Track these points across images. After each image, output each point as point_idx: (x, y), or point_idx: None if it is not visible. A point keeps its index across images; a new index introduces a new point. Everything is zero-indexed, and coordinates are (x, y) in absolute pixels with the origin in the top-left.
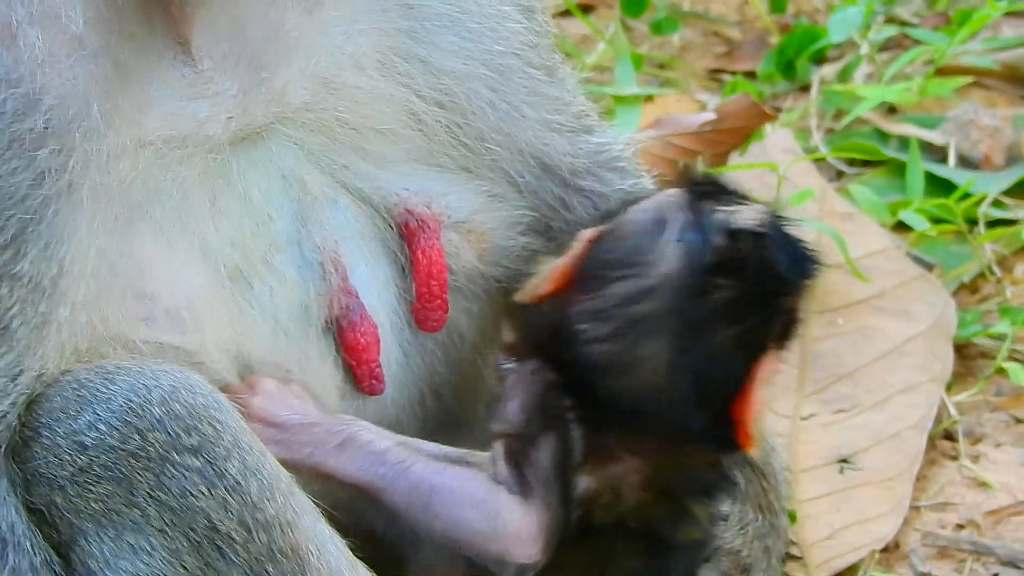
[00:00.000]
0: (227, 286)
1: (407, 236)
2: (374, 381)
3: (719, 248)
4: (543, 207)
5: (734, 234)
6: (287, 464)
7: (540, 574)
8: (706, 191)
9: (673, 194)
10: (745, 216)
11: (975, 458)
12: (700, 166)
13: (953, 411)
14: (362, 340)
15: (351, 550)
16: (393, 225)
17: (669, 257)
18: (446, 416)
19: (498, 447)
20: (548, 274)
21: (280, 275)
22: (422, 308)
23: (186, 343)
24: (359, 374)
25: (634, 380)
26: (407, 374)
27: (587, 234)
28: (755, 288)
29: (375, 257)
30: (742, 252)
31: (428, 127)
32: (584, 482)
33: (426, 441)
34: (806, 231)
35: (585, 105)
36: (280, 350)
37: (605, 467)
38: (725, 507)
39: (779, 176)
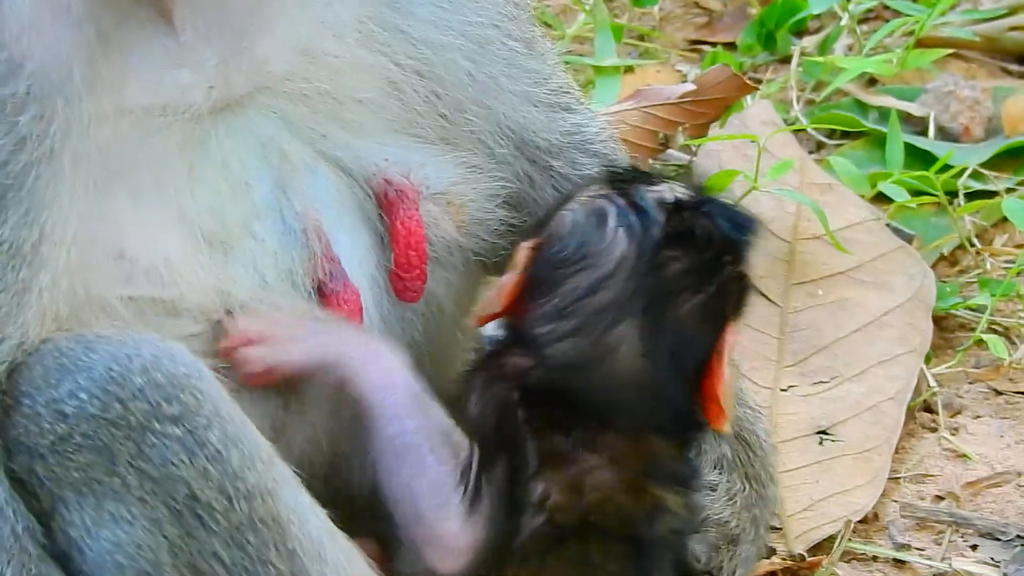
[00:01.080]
0: (204, 249)
1: (386, 206)
2: None
3: (664, 222)
4: (515, 181)
5: (674, 207)
6: (314, 365)
7: None
8: (628, 179)
9: (599, 188)
10: (677, 190)
11: (954, 430)
12: (681, 136)
13: (932, 383)
14: (345, 307)
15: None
16: (372, 195)
17: (618, 242)
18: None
19: (471, 447)
20: (497, 291)
21: (262, 241)
22: (401, 278)
23: (166, 295)
24: None
25: (608, 369)
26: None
27: (526, 245)
28: (705, 255)
29: (354, 226)
30: (686, 222)
31: (407, 96)
32: (541, 489)
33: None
34: (785, 202)
35: (564, 81)
36: (263, 309)
37: (563, 470)
38: (712, 478)
39: (759, 148)
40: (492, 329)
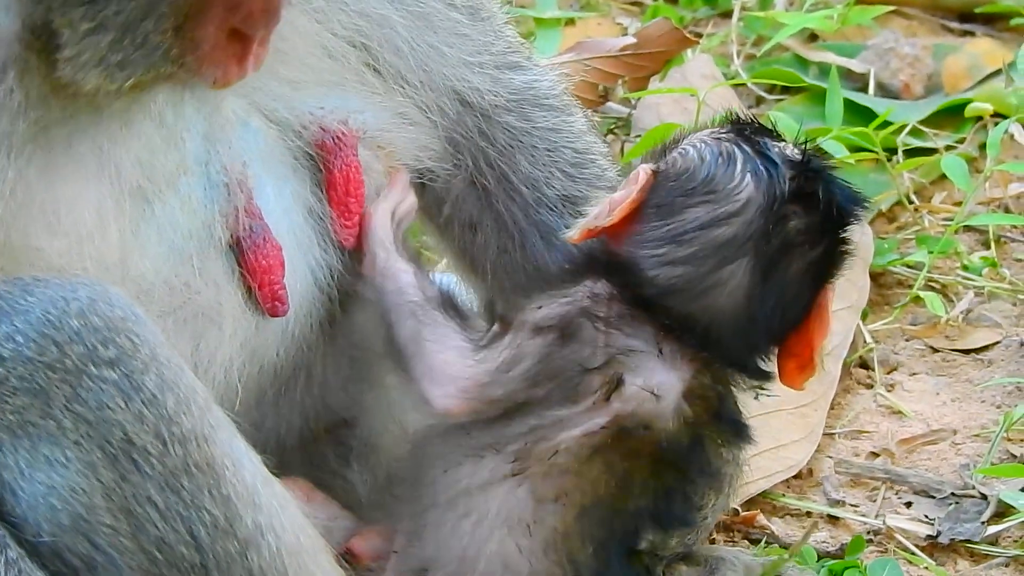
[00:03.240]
0: (126, 207)
1: (323, 154)
2: (276, 303)
3: (790, 177)
4: (460, 136)
5: (800, 166)
6: None
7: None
8: (751, 129)
9: (724, 130)
10: (806, 153)
11: (890, 386)
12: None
13: (869, 339)
14: (264, 262)
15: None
16: (308, 143)
17: (746, 185)
18: (354, 335)
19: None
20: (609, 207)
21: (184, 196)
22: (341, 226)
23: (83, 249)
24: (261, 295)
25: (709, 301)
26: (314, 293)
27: (646, 168)
28: (823, 218)
29: (284, 178)
30: (811, 183)
31: (341, 62)
32: (598, 384)
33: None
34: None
35: (513, 41)
36: (173, 269)
37: (630, 374)
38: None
39: (699, 101)
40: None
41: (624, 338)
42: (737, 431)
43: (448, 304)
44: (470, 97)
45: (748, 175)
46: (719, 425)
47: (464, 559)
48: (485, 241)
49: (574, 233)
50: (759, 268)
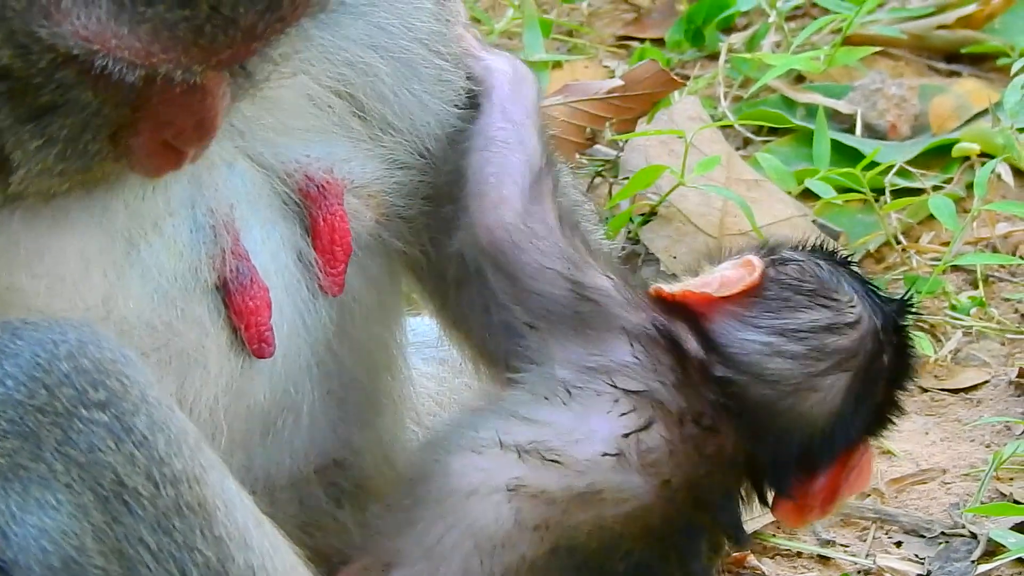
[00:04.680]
0: (110, 249)
1: (308, 202)
2: (263, 344)
3: (891, 312)
4: (448, 176)
5: (904, 305)
6: None
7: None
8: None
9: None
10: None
11: None
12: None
13: None
14: (251, 303)
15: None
16: (293, 190)
17: (859, 304)
18: (344, 378)
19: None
20: (724, 282)
21: (169, 238)
22: (327, 274)
23: (46, 300)
24: (247, 337)
25: (797, 402)
26: (301, 336)
27: (758, 260)
28: (904, 362)
29: (272, 220)
30: (902, 324)
31: (326, 112)
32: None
33: None
34: (712, 198)
35: None
36: (156, 311)
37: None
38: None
39: (686, 143)
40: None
41: (666, 390)
42: (735, 533)
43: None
44: (455, 141)
45: (857, 295)
46: (716, 518)
47: (430, 559)
48: (470, 298)
49: (673, 290)
50: (854, 388)
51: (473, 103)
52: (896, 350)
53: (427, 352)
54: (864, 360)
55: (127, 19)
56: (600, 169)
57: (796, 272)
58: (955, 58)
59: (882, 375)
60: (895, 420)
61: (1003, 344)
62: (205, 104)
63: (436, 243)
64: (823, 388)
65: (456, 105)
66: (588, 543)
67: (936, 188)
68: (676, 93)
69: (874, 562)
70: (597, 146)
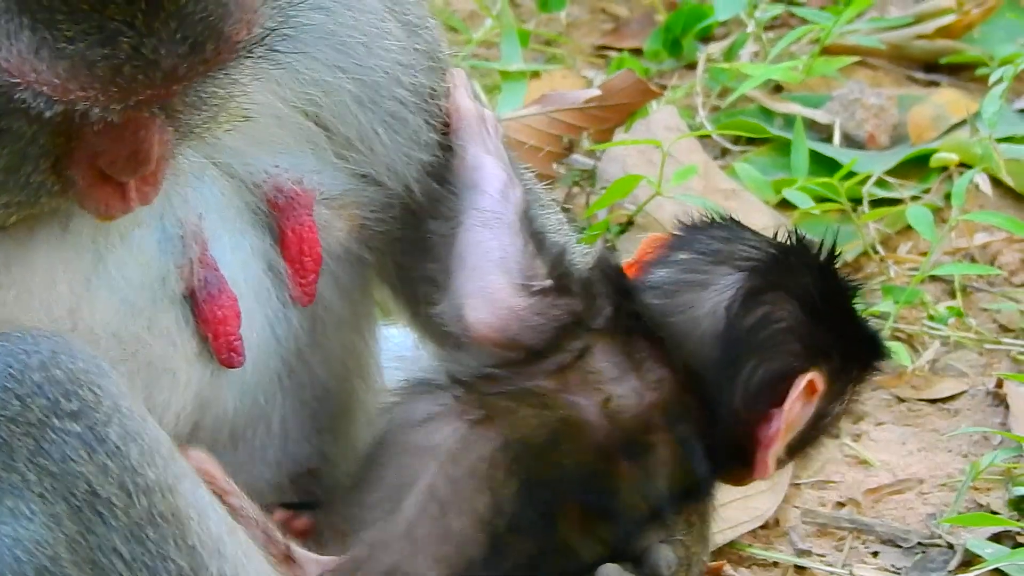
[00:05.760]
0: (77, 260)
1: (276, 213)
2: (232, 353)
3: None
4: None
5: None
6: None
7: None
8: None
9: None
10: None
11: (856, 436)
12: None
13: None
14: (219, 313)
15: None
16: (263, 200)
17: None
18: (316, 388)
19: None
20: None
21: (137, 248)
22: (297, 284)
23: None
24: (216, 346)
25: (695, 300)
26: (272, 345)
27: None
28: (820, 291)
29: (241, 231)
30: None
31: (293, 127)
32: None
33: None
34: (689, 208)
35: None
36: (125, 322)
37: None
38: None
39: (663, 153)
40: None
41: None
42: (695, 464)
43: (526, 221)
44: (417, 169)
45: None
46: (680, 442)
47: (395, 497)
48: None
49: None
50: (755, 288)
51: (448, 136)
52: (820, 277)
53: (411, 366)
54: (762, 264)
55: (47, 54)
56: (577, 179)
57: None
58: (934, 68)
59: (801, 293)
60: (841, 355)
61: (981, 354)
62: (137, 137)
63: (408, 256)
64: (715, 283)
65: (425, 133)
66: (537, 437)
67: (914, 198)
68: (654, 103)
69: (850, 572)
70: (575, 156)
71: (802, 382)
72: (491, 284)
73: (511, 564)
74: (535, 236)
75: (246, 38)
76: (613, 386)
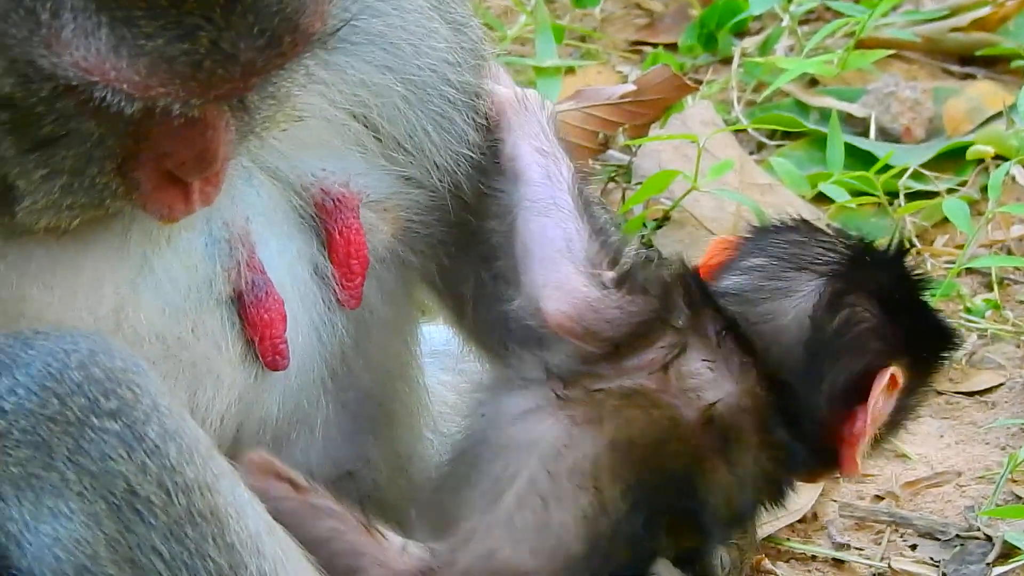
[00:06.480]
0: (123, 262)
1: (323, 216)
2: (277, 357)
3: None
4: (462, 190)
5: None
6: None
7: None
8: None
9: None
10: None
11: None
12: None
13: None
14: (266, 316)
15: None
16: (309, 204)
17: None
18: (358, 390)
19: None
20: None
21: (184, 252)
22: (343, 287)
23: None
24: (261, 349)
25: (778, 307)
26: (316, 348)
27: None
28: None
29: (288, 234)
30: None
31: (341, 130)
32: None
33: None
34: (725, 202)
35: None
36: (169, 324)
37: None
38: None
39: (699, 148)
40: None
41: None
42: (792, 467)
43: (578, 198)
44: (465, 166)
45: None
46: (777, 446)
47: (496, 490)
48: (488, 313)
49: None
50: (837, 292)
51: (491, 131)
52: (893, 274)
53: (446, 361)
54: (840, 267)
55: (126, 52)
56: (613, 174)
57: (759, 238)
58: (969, 60)
59: (878, 292)
60: (921, 347)
61: (1018, 347)
62: (206, 136)
63: (453, 259)
64: (797, 289)
65: (473, 131)
66: (644, 438)
67: (950, 191)
68: (689, 98)
69: (889, 565)
70: (610, 151)
71: (885, 377)
72: (564, 274)
73: (611, 565)
74: (589, 213)
75: (320, 30)
76: (711, 388)
